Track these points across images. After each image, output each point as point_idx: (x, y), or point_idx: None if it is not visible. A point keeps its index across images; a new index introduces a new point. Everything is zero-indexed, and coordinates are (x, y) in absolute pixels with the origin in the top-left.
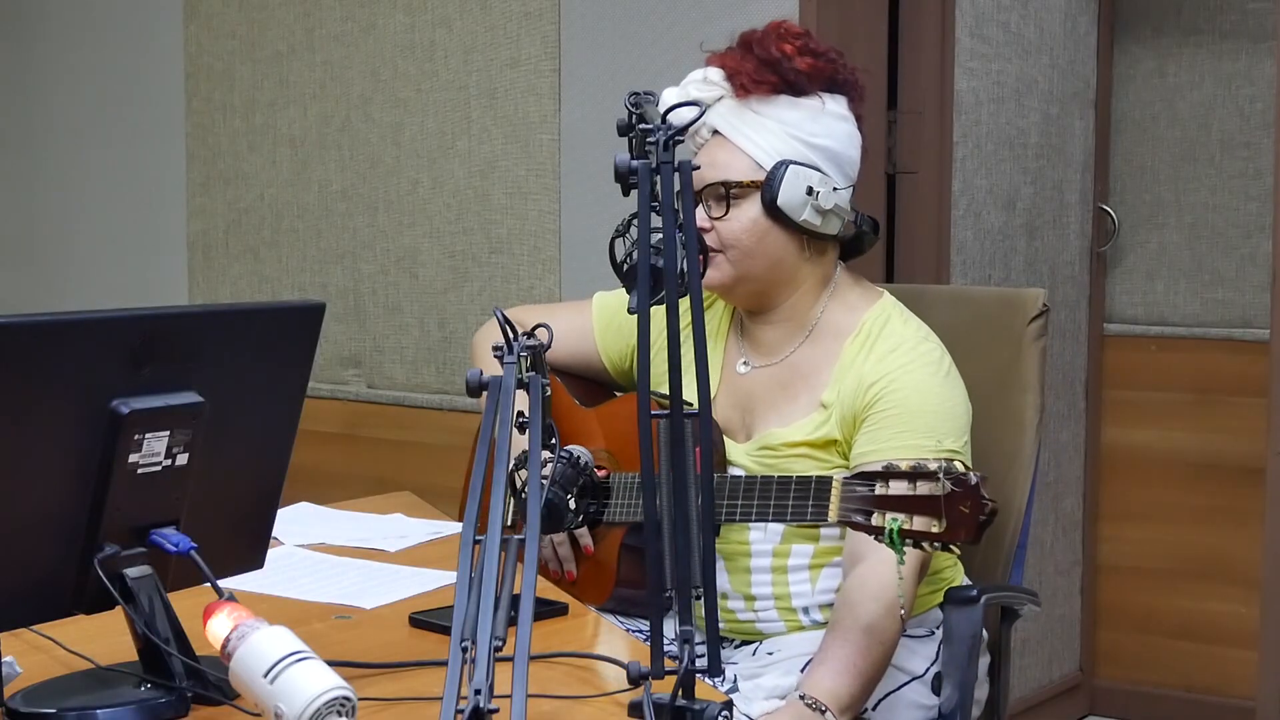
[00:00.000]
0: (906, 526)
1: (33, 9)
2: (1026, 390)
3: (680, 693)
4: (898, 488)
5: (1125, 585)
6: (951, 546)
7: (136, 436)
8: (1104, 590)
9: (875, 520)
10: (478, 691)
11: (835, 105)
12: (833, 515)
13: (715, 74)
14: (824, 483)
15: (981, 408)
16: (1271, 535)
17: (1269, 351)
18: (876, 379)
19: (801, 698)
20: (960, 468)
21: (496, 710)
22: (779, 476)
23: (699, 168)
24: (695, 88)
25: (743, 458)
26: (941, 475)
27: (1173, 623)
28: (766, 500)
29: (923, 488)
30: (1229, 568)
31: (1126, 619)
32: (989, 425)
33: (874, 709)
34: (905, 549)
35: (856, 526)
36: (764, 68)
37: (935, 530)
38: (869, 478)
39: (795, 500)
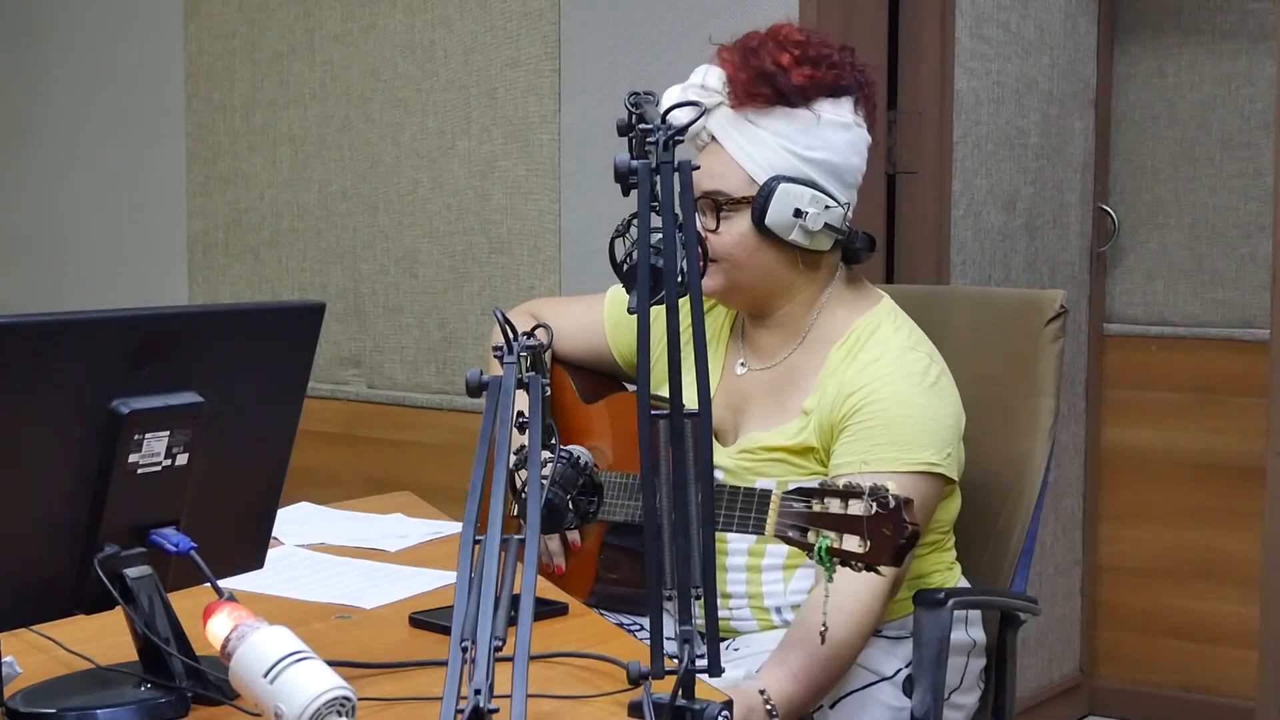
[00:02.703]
0: (835, 546)
1: (33, 9)
2: (1042, 393)
3: (680, 693)
4: (832, 505)
5: (1125, 585)
6: (877, 569)
7: (136, 436)
8: (1104, 590)
9: (810, 537)
10: (478, 691)
11: (834, 113)
12: (769, 529)
13: (715, 78)
14: (765, 496)
15: (996, 409)
16: (1271, 535)
17: (1269, 351)
18: (856, 389)
19: (762, 692)
20: (889, 488)
21: (496, 710)
22: (730, 485)
23: (699, 168)
24: (695, 92)
25: (724, 460)
26: (866, 496)
27: (1172, 623)
28: (717, 509)
29: (854, 507)
30: (1229, 568)
31: (1126, 619)
32: (1003, 427)
33: (831, 707)
34: (835, 567)
35: (790, 542)
36: (759, 80)
37: (860, 551)
38: (806, 494)
39: (741, 511)
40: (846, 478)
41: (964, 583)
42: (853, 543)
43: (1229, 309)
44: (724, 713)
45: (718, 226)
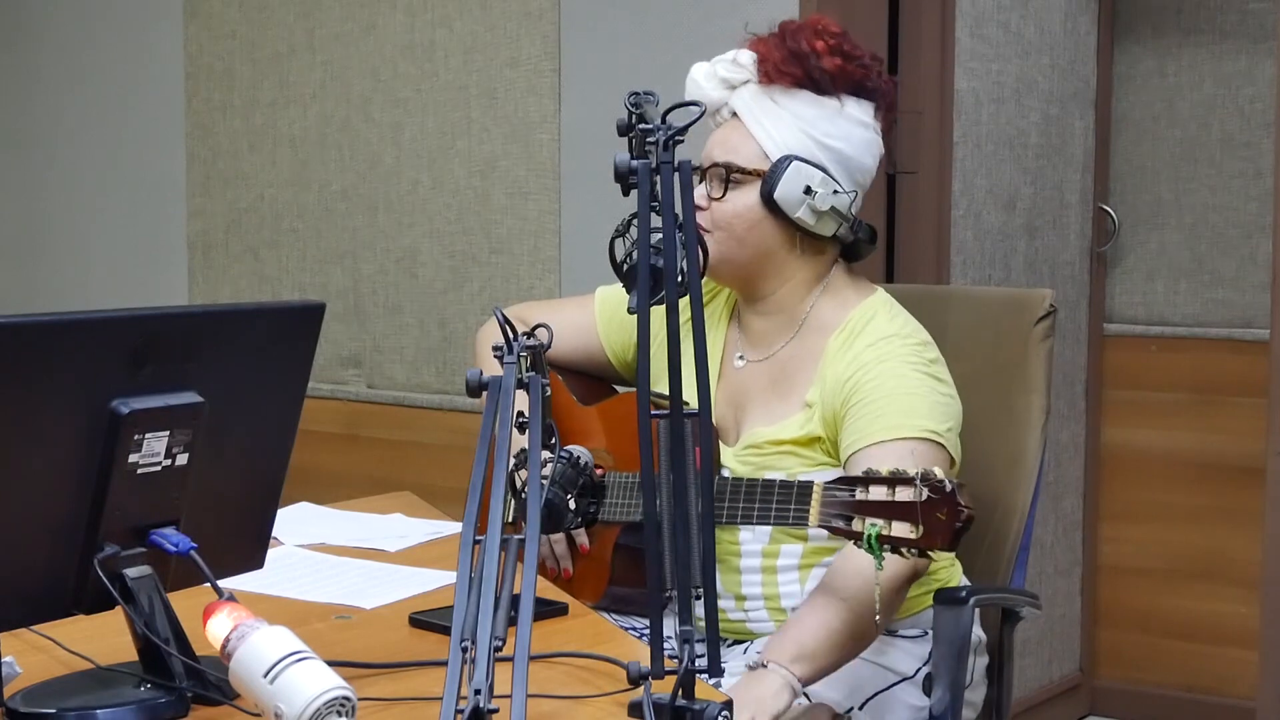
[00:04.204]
0: (885, 532)
1: (33, 10)
2: (1032, 391)
3: (680, 693)
4: (877, 493)
5: (1125, 585)
6: (929, 553)
7: (136, 436)
8: (1104, 590)
9: (855, 525)
10: (478, 691)
11: (857, 110)
12: (813, 520)
13: (746, 57)
14: (805, 487)
15: (987, 408)
16: (1271, 535)
17: (1269, 351)
18: (852, 373)
19: (750, 666)
20: (938, 474)
21: (496, 710)
22: (763, 480)
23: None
24: (724, 67)
25: (730, 460)
26: (918, 481)
27: (1173, 623)
28: (751, 502)
29: (901, 494)
30: (1229, 568)
31: (1126, 619)
32: (994, 426)
33: (860, 708)
34: (884, 554)
35: (836, 531)
36: (791, 60)
37: (912, 536)
38: (849, 483)
39: (778, 504)
40: (889, 467)
41: (964, 580)
42: (904, 528)
43: (1229, 309)
44: (724, 713)
45: (724, 195)
